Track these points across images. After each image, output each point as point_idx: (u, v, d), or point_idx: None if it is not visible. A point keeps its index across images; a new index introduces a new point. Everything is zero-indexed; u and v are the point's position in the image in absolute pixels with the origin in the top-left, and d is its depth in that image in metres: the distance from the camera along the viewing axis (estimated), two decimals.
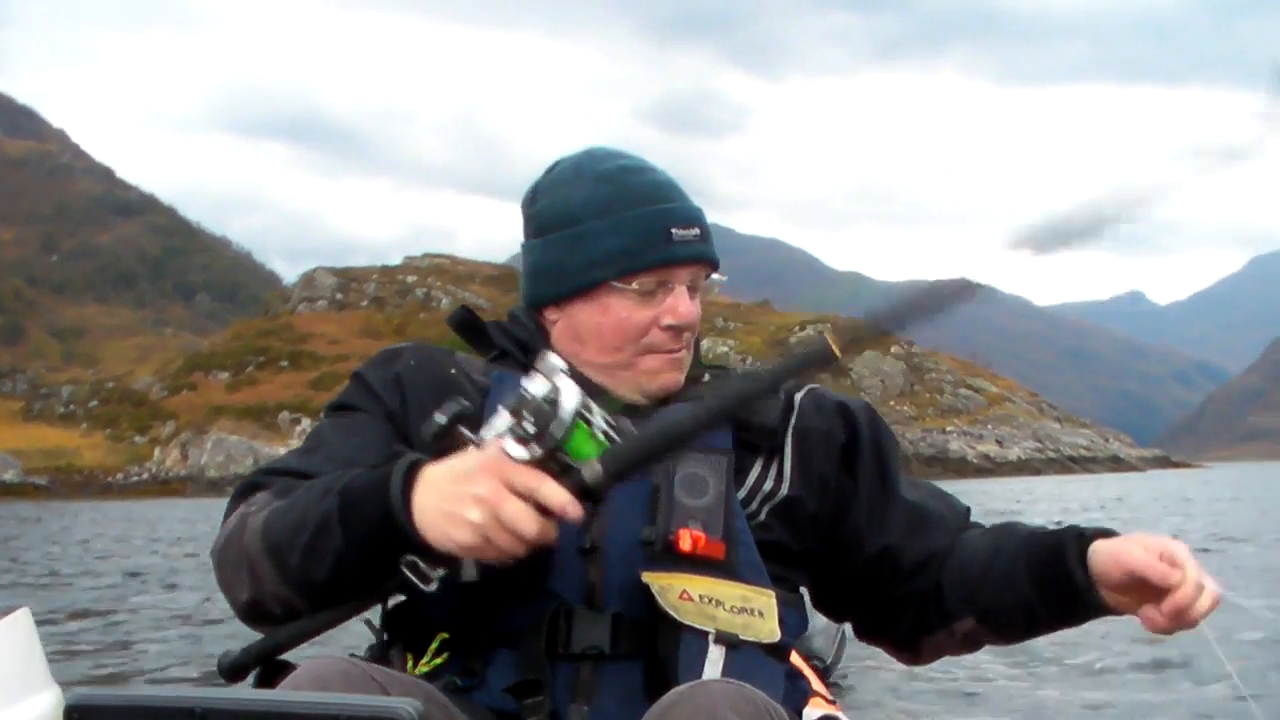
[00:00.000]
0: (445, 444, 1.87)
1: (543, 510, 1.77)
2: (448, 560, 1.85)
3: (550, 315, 2.17)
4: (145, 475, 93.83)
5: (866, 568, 2.19)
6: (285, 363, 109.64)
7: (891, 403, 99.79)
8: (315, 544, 1.91)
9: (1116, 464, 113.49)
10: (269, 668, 1.95)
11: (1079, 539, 2.03)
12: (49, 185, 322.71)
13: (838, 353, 1.86)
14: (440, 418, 1.87)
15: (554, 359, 1.81)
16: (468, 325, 2.25)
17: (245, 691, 1.75)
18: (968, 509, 2.25)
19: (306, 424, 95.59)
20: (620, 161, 2.18)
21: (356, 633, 2.07)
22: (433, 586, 1.86)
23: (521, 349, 2.17)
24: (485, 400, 2.05)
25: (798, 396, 2.21)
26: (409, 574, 1.85)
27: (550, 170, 2.23)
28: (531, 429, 1.77)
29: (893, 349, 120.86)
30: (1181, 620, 1.91)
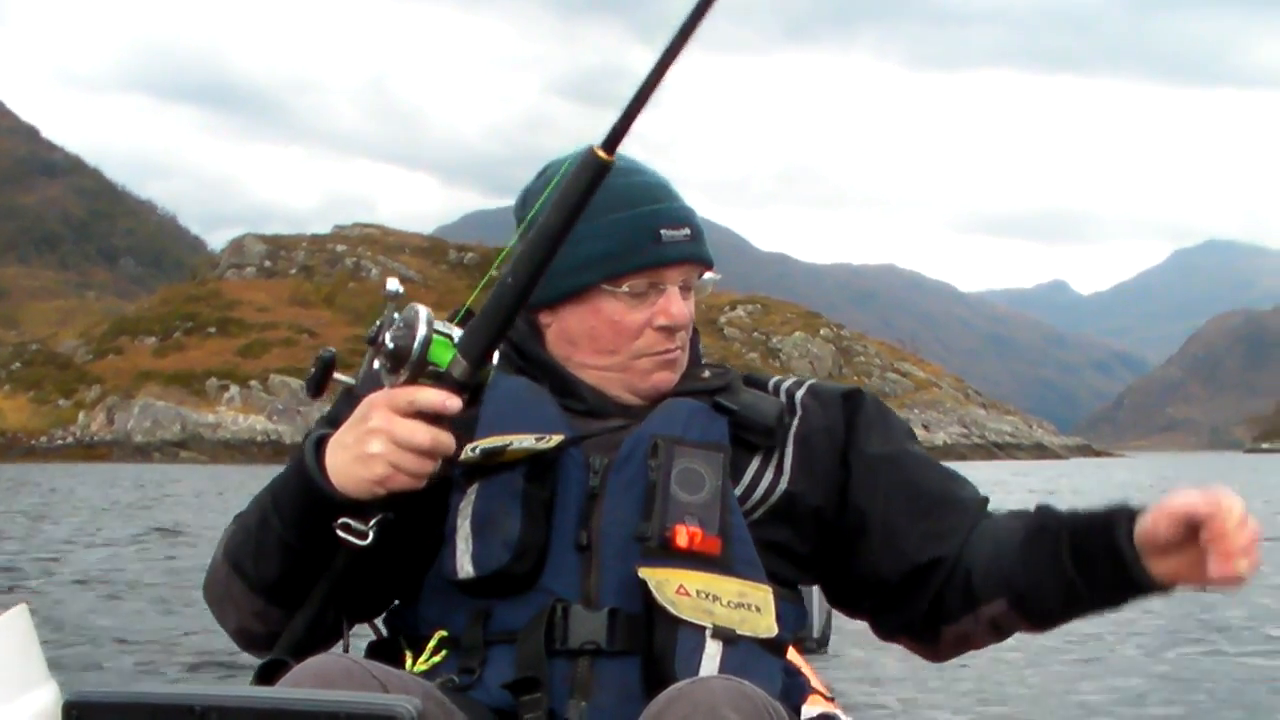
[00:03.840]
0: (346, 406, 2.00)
1: (432, 419, 1.85)
2: (374, 506, 1.90)
3: (544, 318, 2.17)
4: (70, 439, 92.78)
5: (877, 558, 2.17)
6: (213, 329, 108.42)
7: None
8: (261, 541, 1.99)
9: (1041, 451, 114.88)
10: (268, 665, 1.96)
11: (1129, 515, 1.96)
12: None
13: (606, 156, 1.83)
14: (313, 370, 1.95)
15: (392, 284, 1.90)
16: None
17: (245, 689, 1.73)
18: (985, 498, 2.22)
19: (234, 391, 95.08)
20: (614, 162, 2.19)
21: (356, 631, 2.10)
22: (368, 540, 1.90)
23: (516, 351, 2.18)
24: (480, 401, 2.05)
25: (799, 395, 2.23)
26: (344, 535, 1.89)
27: (541, 174, 2.23)
28: (394, 353, 1.87)
29: (821, 331, 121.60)
30: (1227, 548, 1.83)
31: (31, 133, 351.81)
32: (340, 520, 1.90)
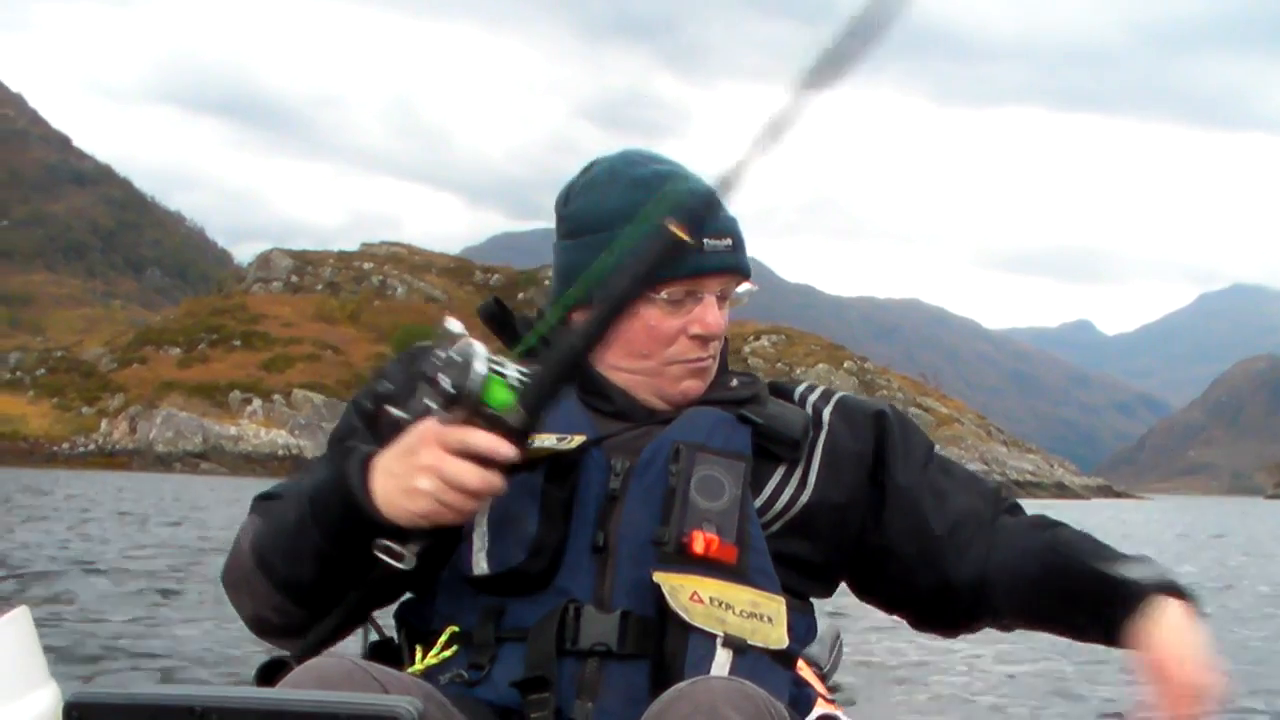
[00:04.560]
0: (390, 428, 1.97)
1: (482, 461, 1.84)
2: (416, 534, 1.90)
3: (578, 317, 2.12)
4: (91, 446, 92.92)
5: (911, 573, 2.19)
6: (238, 342, 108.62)
7: None
8: (296, 546, 1.99)
9: (1061, 490, 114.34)
10: (269, 666, 2.00)
11: (1145, 595, 1.96)
12: (3, 150, 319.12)
13: (683, 235, 1.85)
14: (365, 402, 1.99)
15: (452, 323, 1.88)
16: (496, 318, 2.24)
17: (245, 690, 1.74)
18: (997, 488, 2.26)
19: (257, 404, 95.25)
20: (655, 167, 2.17)
21: (356, 631, 2.13)
22: (407, 564, 1.90)
23: (548, 347, 2.19)
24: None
25: (826, 411, 2.23)
26: (383, 557, 1.89)
27: (585, 171, 2.24)
28: (451, 391, 1.84)
29: (845, 364, 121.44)
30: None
31: (64, 141, 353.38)
32: (381, 542, 1.89)
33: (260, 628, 2.12)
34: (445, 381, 1.84)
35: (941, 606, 2.21)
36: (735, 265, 2.15)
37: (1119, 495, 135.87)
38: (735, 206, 1.94)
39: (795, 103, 1.81)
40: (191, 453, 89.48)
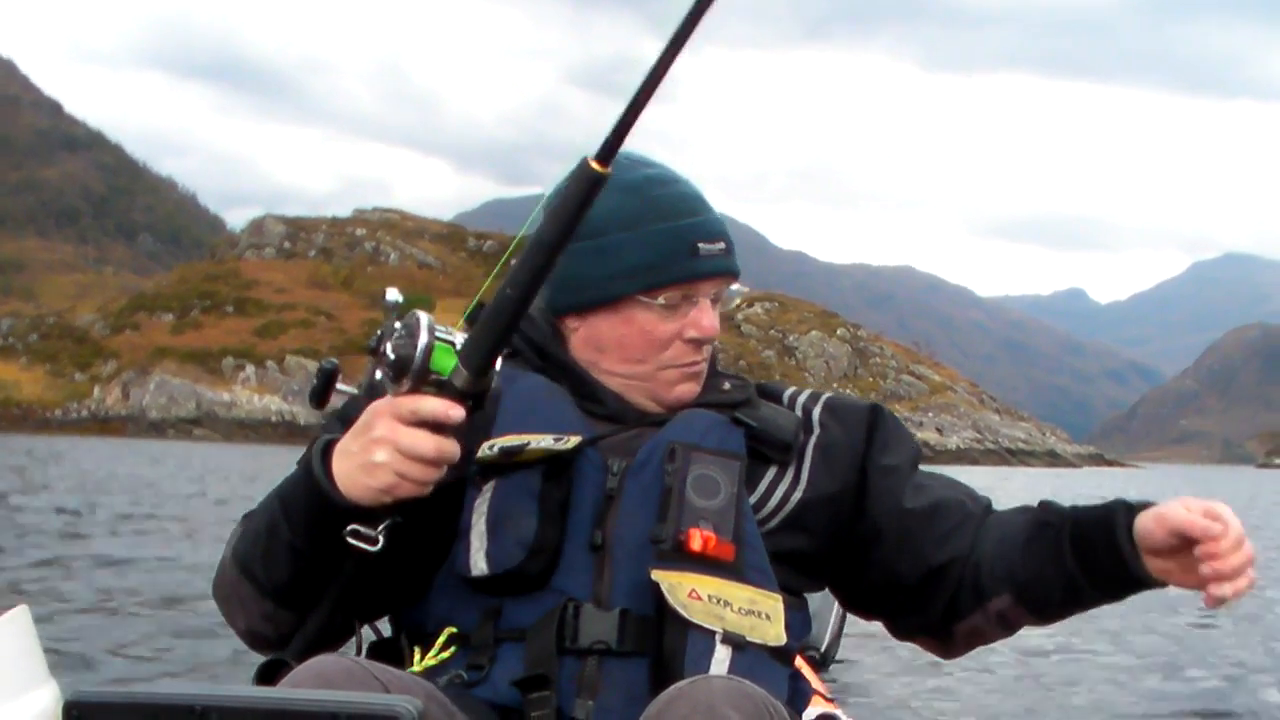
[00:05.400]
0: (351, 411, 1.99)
1: (435, 428, 1.84)
2: (382, 513, 1.89)
3: (571, 323, 2.17)
4: (85, 413, 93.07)
5: (893, 561, 2.19)
6: (231, 308, 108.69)
7: (835, 385, 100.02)
8: (270, 547, 1.99)
9: (1053, 459, 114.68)
10: (269, 665, 1.97)
11: (1127, 510, 2.01)
12: None
13: (601, 169, 1.79)
14: (315, 381, 1.96)
15: (391, 293, 1.89)
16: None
17: (246, 689, 1.73)
18: (988, 500, 2.25)
19: (250, 370, 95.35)
20: (646, 171, 2.17)
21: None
22: (378, 546, 1.90)
23: (536, 351, 2.19)
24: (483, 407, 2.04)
25: (816, 411, 2.24)
26: (355, 542, 1.90)
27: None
28: (396, 362, 1.84)
29: (838, 331, 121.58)
30: (1219, 570, 1.88)
31: (55, 107, 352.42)
32: (350, 528, 1.89)
33: (254, 640, 2.12)
34: (390, 352, 1.85)
35: (926, 600, 2.19)
36: (729, 269, 2.16)
37: (1111, 463, 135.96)
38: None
39: (685, 23, 1.76)
40: (185, 419, 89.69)
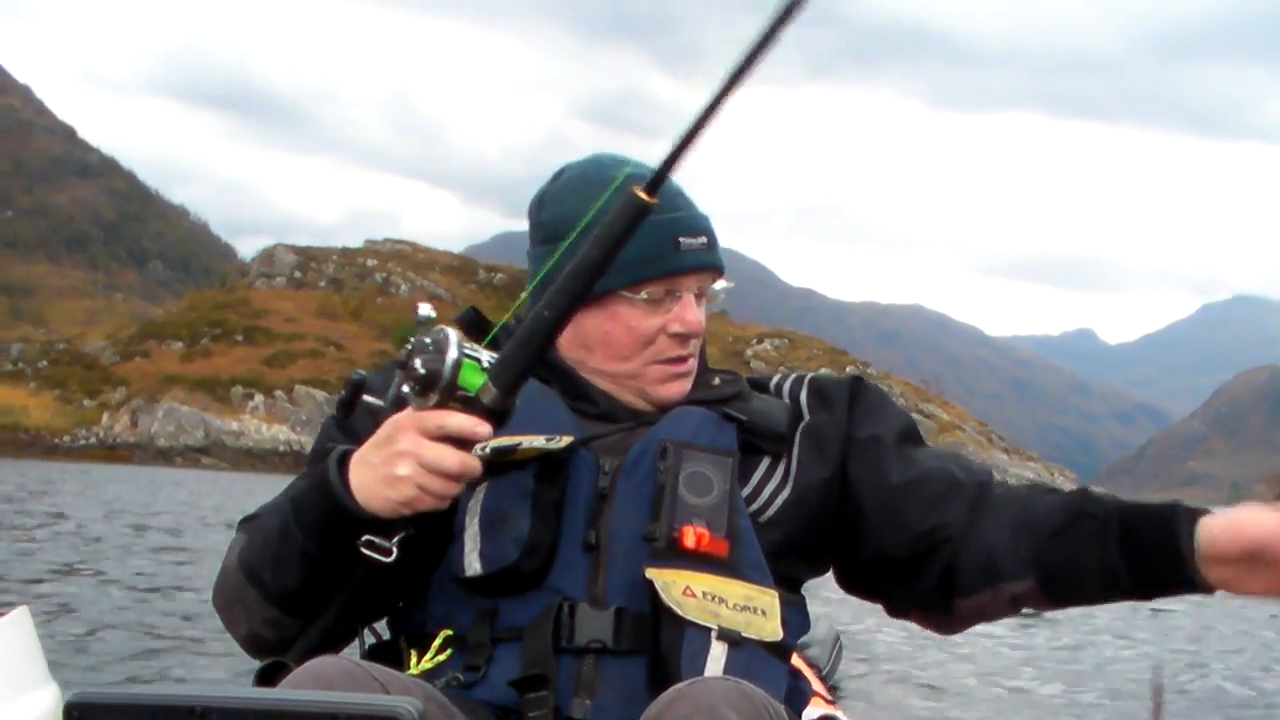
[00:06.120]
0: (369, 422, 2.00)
1: (459, 443, 1.87)
2: (397, 525, 1.92)
3: None
4: (93, 439, 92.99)
5: (881, 532, 2.19)
6: (240, 337, 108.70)
7: None
8: (281, 553, 2.00)
9: None
10: (269, 667, 1.98)
11: (1189, 514, 1.98)
12: (9, 141, 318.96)
13: (646, 197, 1.85)
14: (342, 392, 1.98)
15: (424, 308, 1.92)
16: (475, 326, 2.23)
17: (246, 690, 1.75)
18: (988, 469, 2.25)
19: (259, 399, 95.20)
20: (626, 169, 2.16)
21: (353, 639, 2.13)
22: (392, 557, 1.92)
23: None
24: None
25: (802, 396, 2.26)
26: (368, 553, 1.92)
27: (556, 177, 2.26)
28: (424, 377, 1.86)
29: (847, 369, 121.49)
30: None
31: (69, 133, 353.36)
32: (364, 538, 1.91)
33: (255, 646, 2.11)
34: (419, 366, 1.86)
35: (917, 572, 2.18)
36: (711, 263, 2.18)
37: None
38: (687, 168, 1.90)
39: (744, 62, 1.80)
40: (193, 447, 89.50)
